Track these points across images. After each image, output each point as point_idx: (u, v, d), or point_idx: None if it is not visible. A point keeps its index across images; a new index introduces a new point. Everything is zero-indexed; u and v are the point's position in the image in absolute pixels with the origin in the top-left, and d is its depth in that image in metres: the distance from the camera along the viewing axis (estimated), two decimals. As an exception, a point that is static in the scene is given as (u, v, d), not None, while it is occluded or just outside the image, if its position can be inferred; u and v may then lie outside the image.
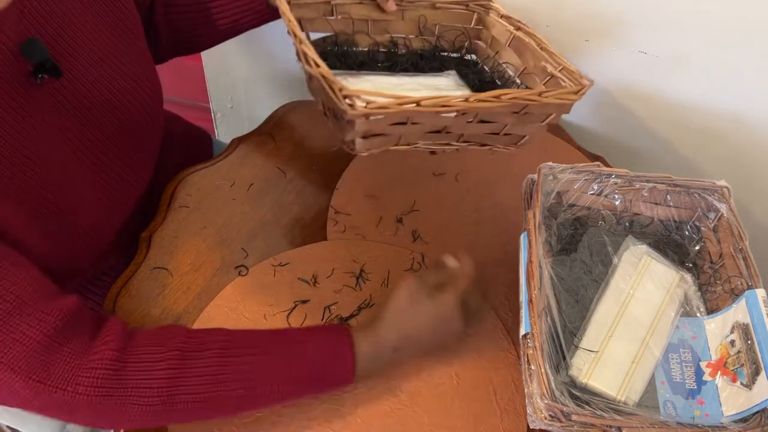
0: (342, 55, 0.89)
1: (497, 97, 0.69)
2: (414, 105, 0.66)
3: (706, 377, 0.76)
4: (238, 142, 1.03)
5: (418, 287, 0.78)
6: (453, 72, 0.92)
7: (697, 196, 0.85)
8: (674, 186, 0.85)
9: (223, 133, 1.58)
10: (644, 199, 0.87)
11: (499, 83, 0.92)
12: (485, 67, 0.95)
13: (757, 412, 0.70)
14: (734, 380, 0.74)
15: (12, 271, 0.63)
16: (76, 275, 0.86)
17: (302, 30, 0.87)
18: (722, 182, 0.85)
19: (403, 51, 0.94)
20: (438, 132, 0.74)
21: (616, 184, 0.86)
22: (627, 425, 0.67)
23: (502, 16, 0.92)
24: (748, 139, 0.97)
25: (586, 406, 0.68)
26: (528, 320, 0.72)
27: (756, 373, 0.71)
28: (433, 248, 0.92)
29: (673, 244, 0.87)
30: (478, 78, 0.92)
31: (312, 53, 0.69)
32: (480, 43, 0.96)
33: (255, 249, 0.90)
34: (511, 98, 0.70)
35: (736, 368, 0.74)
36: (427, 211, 0.96)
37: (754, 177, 1.01)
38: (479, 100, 0.68)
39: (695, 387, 0.76)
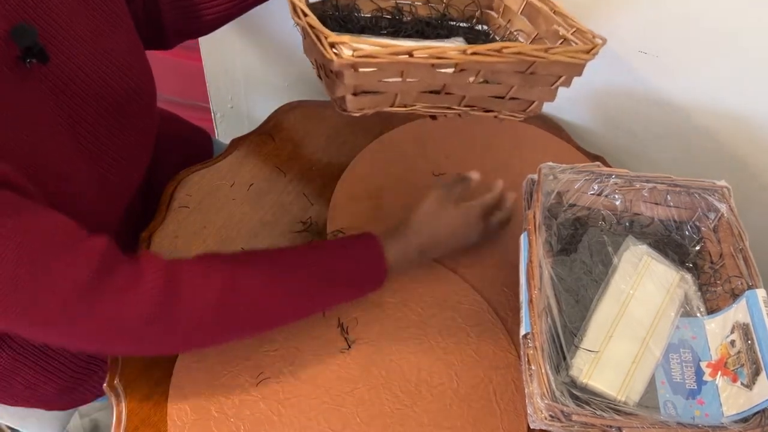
0: (342, 19, 0.88)
1: (498, 50, 0.64)
2: (406, 56, 0.62)
3: (707, 377, 0.77)
4: (238, 142, 1.03)
5: (446, 194, 0.87)
6: (460, 38, 0.90)
7: (697, 196, 0.86)
8: (674, 186, 0.86)
9: (223, 133, 1.59)
10: (644, 199, 0.88)
11: None
12: (496, 37, 0.92)
13: (757, 413, 0.70)
14: (734, 380, 0.74)
15: (51, 213, 0.64)
16: None
17: None
18: (722, 182, 0.85)
19: (408, 18, 0.92)
20: (437, 93, 0.71)
21: (616, 184, 0.86)
22: (627, 425, 0.68)
23: None
24: (748, 139, 0.98)
25: (587, 406, 0.68)
26: (528, 320, 0.72)
27: (756, 373, 0.72)
28: (434, 248, 0.92)
29: (673, 244, 0.88)
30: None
31: (301, 3, 0.67)
32: (492, 12, 0.93)
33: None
34: (514, 52, 0.65)
35: (737, 368, 0.75)
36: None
37: (754, 177, 1.01)
38: (478, 53, 0.64)
39: (695, 387, 0.77)
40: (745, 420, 0.71)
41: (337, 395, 0.79)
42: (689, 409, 0.75)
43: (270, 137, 1.04)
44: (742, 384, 0.73)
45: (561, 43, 0.78)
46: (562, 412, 0.67)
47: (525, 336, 0.73)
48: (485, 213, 0.89)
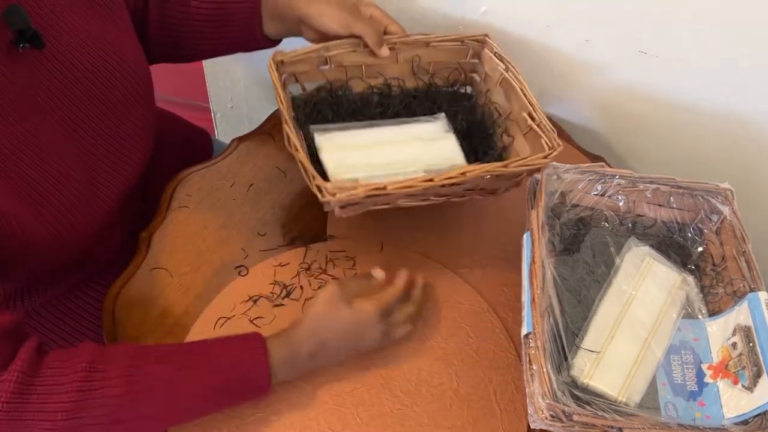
0: (335, 103, 0.93)
1: (464, 174, 0.75)
2: (382, 189, 0.73)
3: (708, 379, 0.78)
4: (238, 142, 1.04)
5: (339, 293, 0.78)
6: (442, 115, 0.96)
7: (700, 198, 0.86)
8: (677, 188, 0.86)
9: (223, 133, 1.59)
10: (647, 200, 0.88)
11: (485, 126, 0.97)
12: (478, 101, 0.99)
13: (758, 415, 0.71)
14: (735, 382, 0.75)
15: None
16: (73, 265, 0.86)
17: (297, 81, 0.93)
18: (725, 184, 0.86)
19: (397, 92, 0.98)
20: (415, 195, 0.80)
21: (619, 185, 0.87)
22: (628, 426, 0.68)
23: (495, 54, 0.95)
24: (749, 140, 0.98)
25: (587, 407, 0.69)
26: (530, 320, 0.73)
27: (757, 375, 0.72)
28: (434, 248, 0.93)
29: (675, 246, 0.88)
30: (467, 119, 0.96)
31: (294, 137, 0.77)
32: (475, 76, 1.00)
33: (255, 249, 0.91)
34: (476, 174, 0.76)
35: (738, 371, 0.75)
36: (428, 210, 0.97)
37: (756, 179, 1.02)
38: (445, 178, 0.75)
39: (696, 389, 0.77)
40: (745, 422, 0.71)
41: (337, 395, 0.79)
42: (690, 411, 0.75)
43: (270, 137, 1.05)
44: (743, 386, 0.74)
45: (527, 133, 0.90)
46: (563, 412, 0.67)
47: (526, 336, 0.74)
48: (384, 311, 0.78)
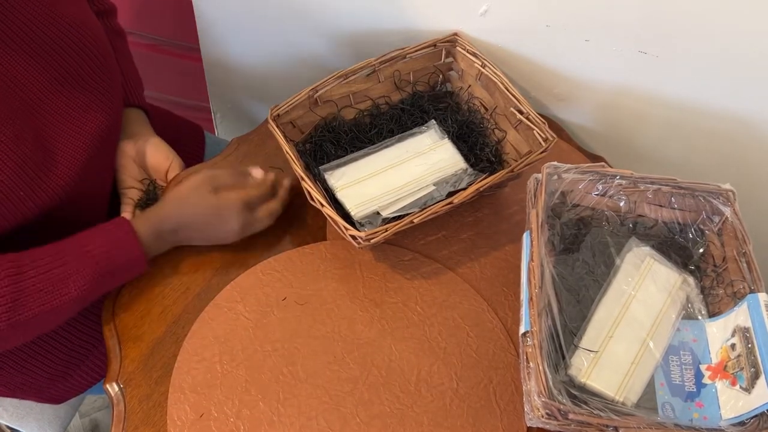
0: (333, 137, 1.01)
1: (476, 190, 0.86)
2: (409, 223, 0.84)
3: (706, 380, 0.80)
4: (238, 142, 1.06)
5: (205, 181, 0.88)
6: (432, 122, 1.03)
7: (701, 199, 0.88)
8: (679, 188, 0.88)
9: (223, 133, 1.61)
10: (648, 200, 0.90)
11: (475, 123, 1.04)
12: (461, 98, 1.06)
13: (755, 416, 0.73)
14: (734, 384, 0.77)
15: None
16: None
17: (294, 127, 0.99)
18: (727, 185, 0.88)
19: (386, 109, 1.05)
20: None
21: (620, 185, 0.89)
22: (624, 425, 0.70)
23: (468, 51, 1.03)
24: (750, 141, 1.00)
25: (584, 406, 0.71)
26: (528, 318, 0.75)
27: (755, 377, 0.74)
28: (434, 247, 0.96)
29: (676, 247, 0.91)
30: (456, 120, 1.03)
31: (316, 193, 0.86)
32: (453, 74, 1.08)
33: (255, 249, 0.94)
34: (488, 184, 0.87)
35: (736, 372, 0.77)
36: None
37: (758, 180, 1.03)
38: (464, 197, 0.86)
39: (694, 389, 0.80)
40: (743, 423, 0.73)
41: (337, 395, 0.82)
42: (688, 412, 0.78)
43: (270, 137, 1.07)
44: (741, 387, 0.76)
45: (518, 126, 0.98)
46: (558, 410, 0.70)
47: (524, 334, 0.76)
48: (246, 204, 0.89)
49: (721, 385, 0.79)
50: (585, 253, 0.88)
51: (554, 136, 0.91)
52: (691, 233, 0.91)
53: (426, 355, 0.86)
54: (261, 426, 0.79)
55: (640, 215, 0.92)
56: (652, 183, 0.88)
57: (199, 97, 1.59)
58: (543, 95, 1.10)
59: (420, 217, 0.84)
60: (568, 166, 0.87)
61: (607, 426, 0.71)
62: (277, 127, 0.92)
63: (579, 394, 0.74)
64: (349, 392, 0.82)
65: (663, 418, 0.76)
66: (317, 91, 0.97)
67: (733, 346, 0.80)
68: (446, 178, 0.96)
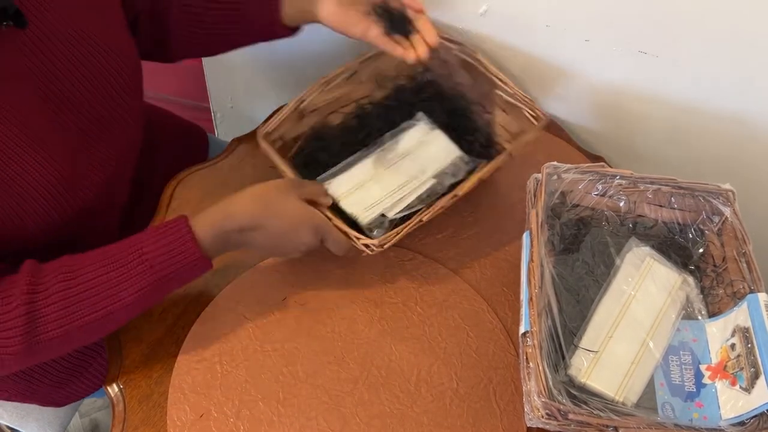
0: (324, 145, 0.98)
1: (480, 179, 0.88)
2: (419, 223, 0.85)
3: (706, 380, 0.80)
4: (238, 142, 1.06)
5: (293, 186, 0.83)
6: (420, 114, 1.02)
7: (701, 199, 0.89)
8: (679, 188, 0.88)
9: (223, 133, 1.61)
10: (648, 200, 0.91)
11: (462, 109, 1.03)
12: (445, 86, 1.04)
13: (755, 416, 0.73)
14: (733, 384, 0.77)
15: None
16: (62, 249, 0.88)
17: (283, 141, 0.96)
18: (727, 185, 0.88)
19: (371, 108, 1.03)
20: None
21: (620, 185, 0.89)
22: (624, 425, 0.71)
23: (445, 38, 1.00)
24: (751, 140, 1.00)
25: (584, 406, 0.71)
26: (528, 318, 0.75)
27: (755, 377, 0.75)
28: (434, 247, 0.96)
29: (676, 247, 0.91)
30: (444, 108, 1.02)
31: (337, 221, 0.84)
32: (433, 63, 1.02)
33: (255, 249, 0.94)
34: (488, 171, 0.89)
35: (736, 372, 0.78)
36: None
37: (757, 180, 1.03)
38: (467, 188, 0.87)
39: (694, 390, 0.80)
40: (743, 423, 0.74)
41: (337, 395, 0.82)
42: (687, 412, 0.78)
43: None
44: (741, 387, 0.76)
45: (506, 108, 0.99)
46: (558, 410, 0.70)
47: (524, 334, 0.76)
48: (324, 232, 0.83)
49: (721, 385, 0.79)
50: (585, 253, 0.89)
51: (545, 114, 0.92)
52: (691, 233, 0.91)
53: (426, 355, 0.86)
54: (261, 426, 0.80)
55: (640, 215, 0.92)
56: (652, 183, 0.89)
57: (199, 97, 1.59)
58: (543, 95, 1.11)
59: (428, 215, 0.84)
60: (568, 166, 0.87)
61: (607, 426, 0.71)
62: (269, 145, 0.90)
63: (579, 394, 0.74)
64: (349, 392, 0.83)
65: (663, 418, 0.76)
66: (303, 102, 0.95)
67: (732, 346, 0.80)
68: (445, 169, 0.95)
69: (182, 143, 1.19)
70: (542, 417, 0.71)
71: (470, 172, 0.94)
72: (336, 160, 0.97)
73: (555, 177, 0.87)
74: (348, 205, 0.91)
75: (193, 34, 0.97)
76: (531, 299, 0.76)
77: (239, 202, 0.80)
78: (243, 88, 1.44)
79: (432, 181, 0.94)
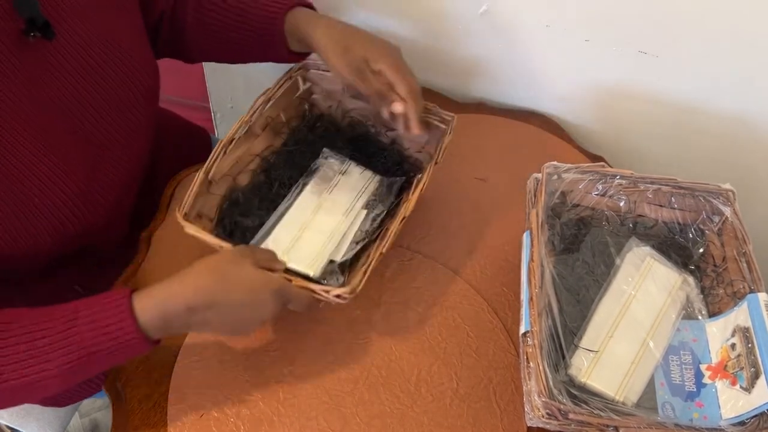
0: (244, 210, 0.93)
1: (419, 195, 0.85)
2: (380, 256, 0.80)
3: (706, 380, 0.80)
4: (237, 142, 1.06)
5: (244, 254, 0.76)
6: (325, 150, 0.99)
7: (701, 198, 0.89)
8: (679, 188, 0.89)
9: (223, 133, 1.61)
10: (649, 200, 0.91)
11: (362, 137, 1.01)
12: (334, 115, 1.03)
13: (755, 416, 0.73)
14: (734, 383, 0.77)
15: None
16: (72, 259, 0.88)
17: (203, 217, 0.90)
18: (727, 185, 0.88)
19: (274, 158, 0.99)
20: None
21: (620, 185, 0.89)
22: (624, 425, 0.71)
23: (318, 68, 0.99)
24: (751, 140, 1.00)
25: (584, 405, 0.71)
26: (528, 318, 0.76)
27: (755, 376, 0.75)
28: (434, 247, 0.96)
29: (676, 247, 0.91)
30: (346, 139, 1.01)
31: (298, 281, 0.78)
32: (316, 97, 1.04)
33: (255, 249, 0.94)
34: (425, 186, 0.85)
35: (736, 372, 0.78)
36: (427, 211, 1.00)
37: (757, 180, 1.04)
38: (410, 208, 0.84)
39: (695, 389, 0.80)
40: (743, 423, 0.74)
41: (337, 395, 0.82)
42: (688, 411, 0.78)
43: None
44: (741, 387, 0.76)
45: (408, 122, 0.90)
46: (559, 410, 0.70)
47: (524, 334, 0.77)
48: (286, 294, 0.76)
49: (721, 385, 0.79)
50: (585, 253, 0.89)
51: (450, 114, 0.90)
52: (691, 233, 0.91)
53: (426, 355, 0.86)
54: (261, 426, 0.80)
55: (640, 215, 0.92)
56: (652, 183, 0.89)
57: (199, 97, 1.60)
58: (543, 95, 1.11)
59: (386, 245, 0.80)
60: (568, 165, 0.87)
61: (607, 426, 0.71)
62: (193, 225, 0.83)
63: (579, 393, 0.74)
64: (349, 392, 0.83)
65: (663, 418, 0.76)
66: (210, 172, 0.88)
67: (733, 345, 0.80)
68: (371, 196, 0.94)
69: (186, 144, 1.19)
70: (542, 417, 0.71)
71: (399, 190, 0.94)
72: (260, 220, 0.92)
73: (555, 177, 0.87)
74: (293, 262, 0.86)
75: (205, 38, 0.97)
76: (531, 299, 0.76)
77: (187, 279, 0.73)
78: (243, 88, 1.45)
79: (364, 212, 0.92)
